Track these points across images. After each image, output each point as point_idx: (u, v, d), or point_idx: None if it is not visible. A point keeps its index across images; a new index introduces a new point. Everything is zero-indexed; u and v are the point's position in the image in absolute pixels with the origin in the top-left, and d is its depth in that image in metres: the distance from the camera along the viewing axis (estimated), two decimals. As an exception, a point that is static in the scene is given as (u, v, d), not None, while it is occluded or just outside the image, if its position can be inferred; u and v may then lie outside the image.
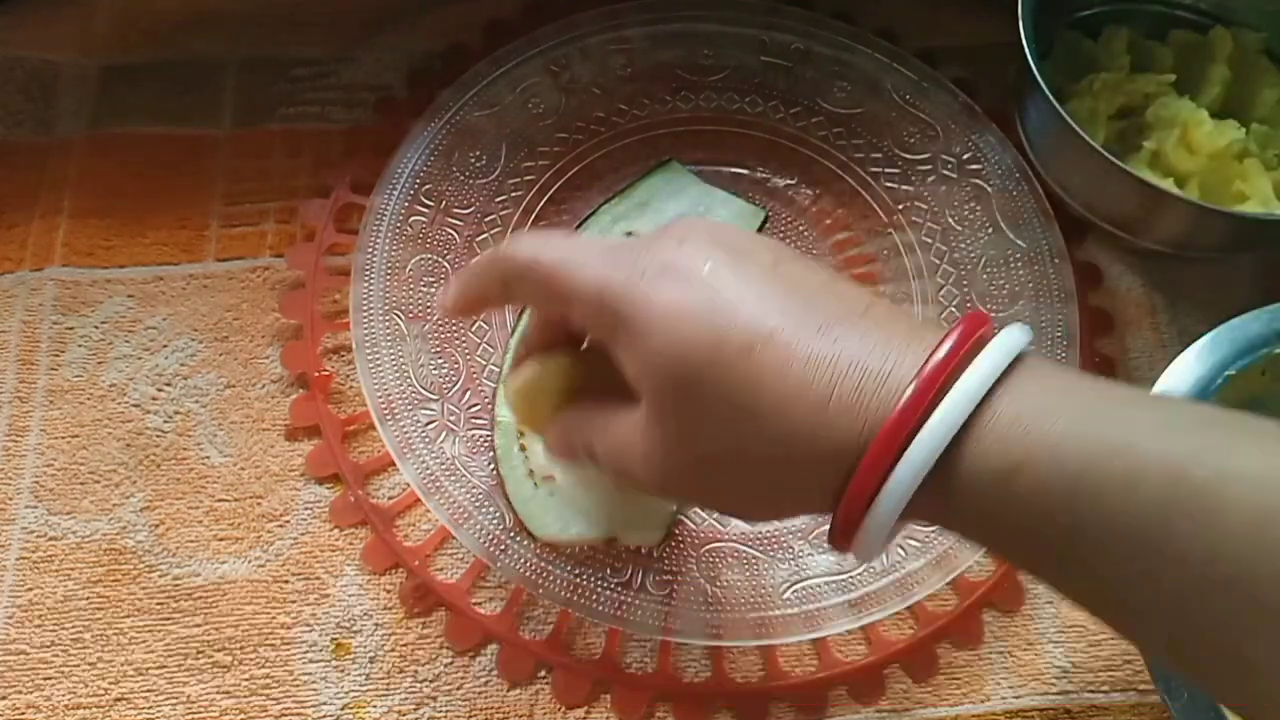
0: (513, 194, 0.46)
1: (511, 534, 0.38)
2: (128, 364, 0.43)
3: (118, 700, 0.37)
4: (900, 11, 0.51)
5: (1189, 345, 0.37)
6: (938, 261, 0.45)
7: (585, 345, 0.33)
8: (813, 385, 0.24)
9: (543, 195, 0.46)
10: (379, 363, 0.41)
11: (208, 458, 0.41)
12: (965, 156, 0.46)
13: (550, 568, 0.38)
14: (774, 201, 0.47)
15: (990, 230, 0.45)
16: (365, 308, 0.42)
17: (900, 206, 0.46)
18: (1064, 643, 0.39)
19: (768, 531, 0.40)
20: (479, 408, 0.41)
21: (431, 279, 0.43)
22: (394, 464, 0.40)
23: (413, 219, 0.44)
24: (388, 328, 0.42)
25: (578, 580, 0.38)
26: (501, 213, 0.45)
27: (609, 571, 0.38)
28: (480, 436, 0.40)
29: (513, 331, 0.42)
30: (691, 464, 0.27)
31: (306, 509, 0.40)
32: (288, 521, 0.40)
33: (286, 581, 0.39)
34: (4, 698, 0.37)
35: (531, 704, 0.37)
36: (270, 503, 0.40)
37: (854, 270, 0.46)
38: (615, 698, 0.38)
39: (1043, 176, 0.46)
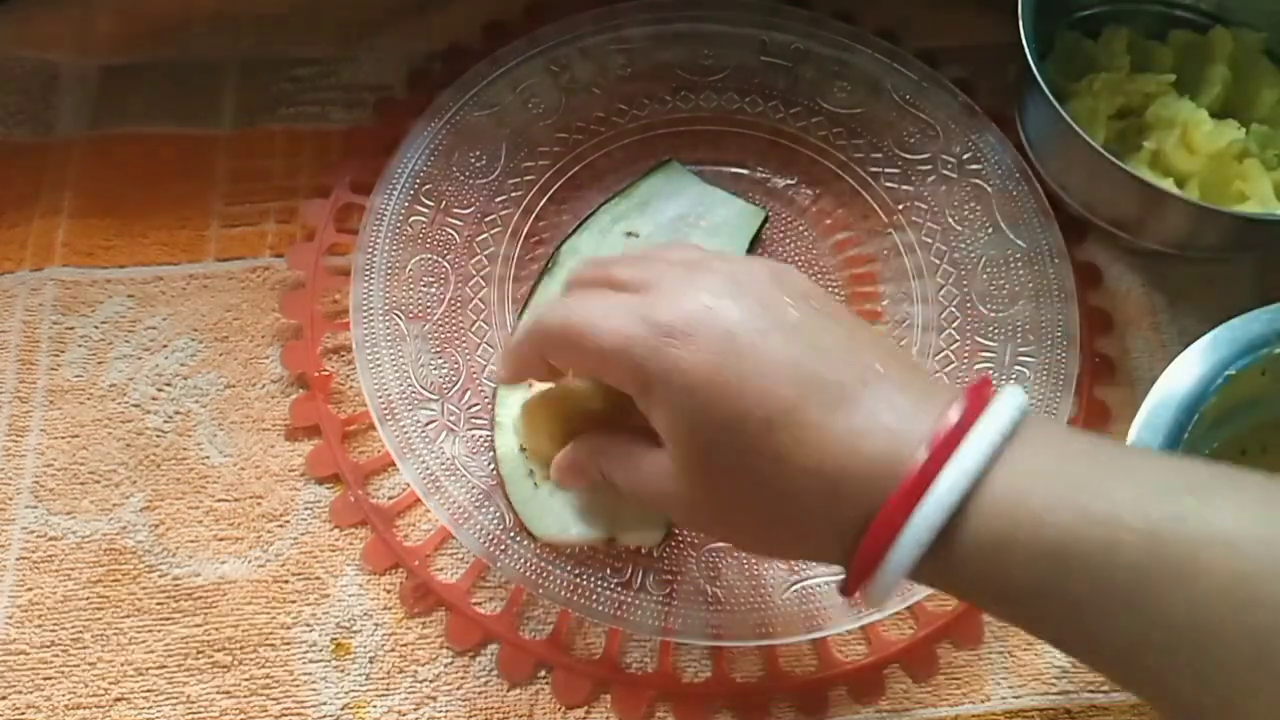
0: (513, 194, 0.46)
1: (511, 534, 0.38)
2: (128, 364, 0.43)
3: (118, 700, 0.37)
4: (900, 11, 0.51)
5: (1189, 345, 0.37)
6: (938, 261, 0.45)
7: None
8: (828, 461, 0.26)
9: (543, 195, 0.46)
10: (379, 363, 0.41)
11: (208, 458, 0.41)
12: (965, 156, 0.46)
13: (550, 568, 0.38)
14: (774, 201, 0.47)
15: (990, 230, 0.45)
16: (365, 308, 0.42)
17: (900, 206, 0.46)
18: (1064, 643, 0.39)
19: (768, 531, 0.40)
20: (479, 408, 0.41)
21: (431, 279, 0.43)
22: (394, 464, 0.40)
23: (413, 219, 0.44)
24: (388, 328, 0.42)
25: (578, 580, 0.38)
26: (501, 213, 0.45)
27: (609, 571, 0.38)
28: (480, 436, 0.40)
29: (512, 331, 0.42)
30: (716, 514, 0.30)
31: (306, 509, 0.40)
32: (288, 521, 0.40)
33: (286, 581, 0.39)
34: (4, 698, 0.37)
35: (531, 704, 0.37)
36: (270, 503, 0.40)
37: (854, 270, 0.46)
38: (615, 698, 0.38)
39: (1042, 176, 0.46)
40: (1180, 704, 0.24)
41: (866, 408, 0.27)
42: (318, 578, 0.39)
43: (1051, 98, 0.41)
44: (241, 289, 0.44)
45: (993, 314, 0.44)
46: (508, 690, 0.38)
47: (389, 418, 0.40)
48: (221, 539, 0.40)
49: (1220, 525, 0.23)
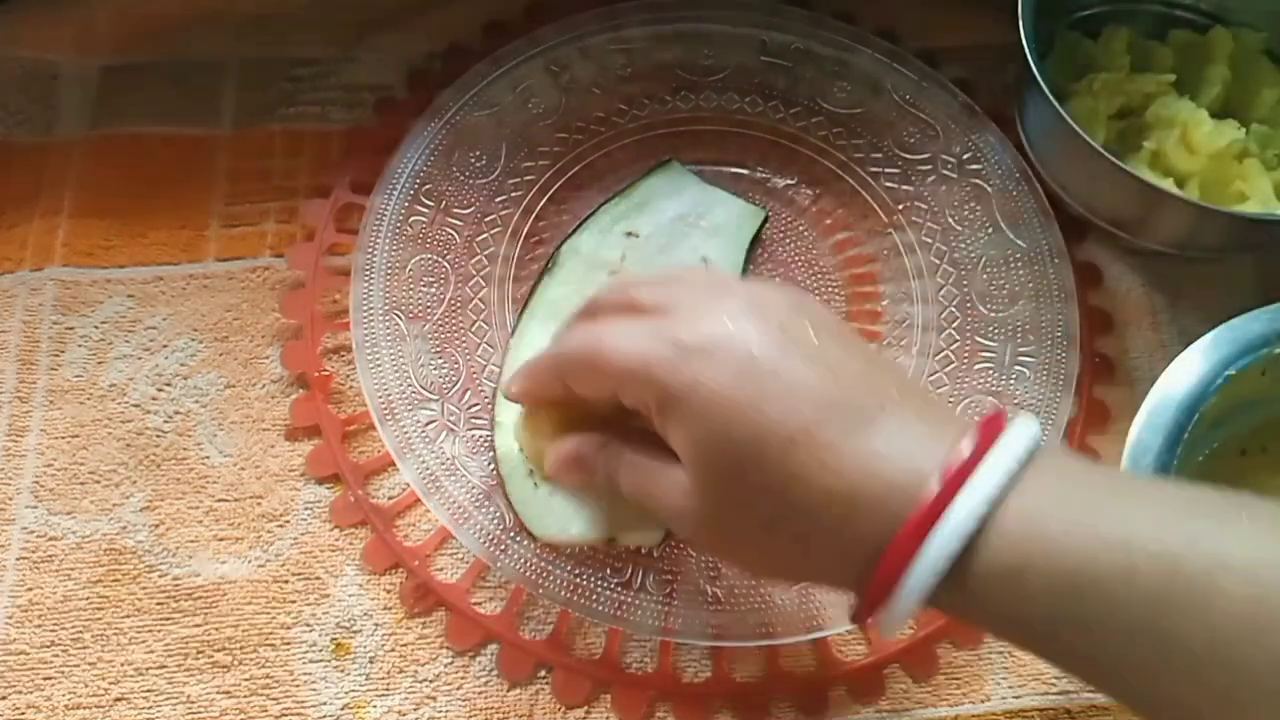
0: (513, 194, 0.46)
1: (511, 534, 0.38)
2: (128, 364, 0.43)
3: (118, 700, 0.37)
4: (900, 11, 0.51)
5: (1189, 345, 0.37)
6: (938, 261, 0.45)
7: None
8: (845, 484, 0.27)
9: (543, 195, 0.46)
10: (379, 363, 0.41)
11: (208, 458, 0.41)
12: (965, 156, 0.46)
13: (550, 568, 0.38)
14: (774, 201, 0.47)
15: (990, 230, 0.45)
16: (365, 308, 0.42)
17: (900, 206, 0.46)
18: (1064, 643, 0.39)
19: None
20: (479, 408, 0.41)
21: (431, 279, 0.43)
22: (394, 464, 0.40)
23: (413, 219, 0.44)
24: (388, 328, 0.42)
25: (578, 580, 0.38)
26: (501, 213, 0.45)
27: (609, 571, 0.38)
28: (480, 436, 0.40)
29: (512, 332, 0.42)
30: (726, 533, 0.30)
31: (306, 509, 0.40)
32: (288, 521, 0.40)
33: (286, 581, 0.39)
34: (4, 698, 0.37)
35: (531, 704, 0.37)
36: (270, 503, 0.40)
37: (854, 270, 0.46)
38: (615, 698, 0.38)
39: (1042, 176, 0.46)
40: None
41: (886, 431, 0.27)
42: (318, 578, 0.39)
43: (1051, 98, 0.41)
44: (241, 289, 0.44)
45: (993, 314, 0.44)
46: (508, 690, 0.38)
47: (389, 418, 0.40)
48: (221, 539, 0.40)
49: (1237, 550, 0.23)
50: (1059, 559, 0.25)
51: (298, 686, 0.37)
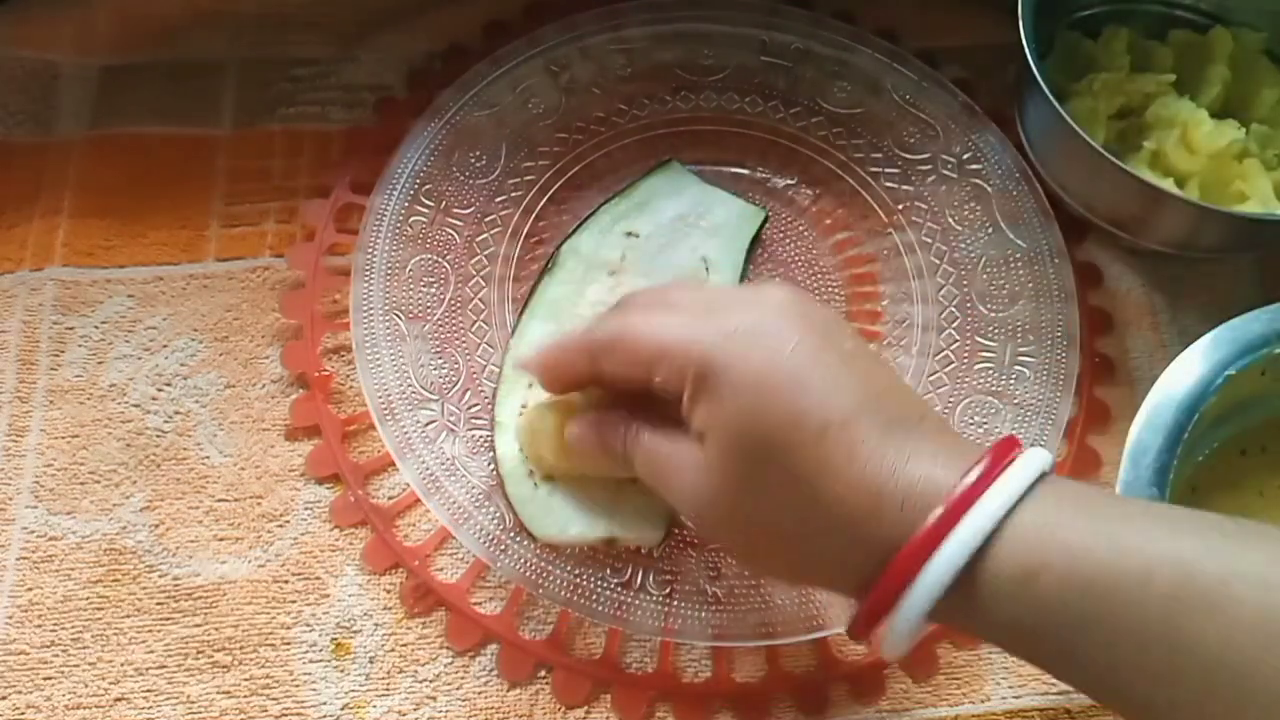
0: (513, 194, 0.46)
1: (511, 534, 0.38)
2: (128, 364, 0.43)
3: (118, 700, 0.37)
4: (900, 11, 0.51)
5: (1189, 345, 0.37)
6: (938, 261, 0.45)
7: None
8: (870, 479, 0.27)
9: (543, 195, 0.46)
10: (379, 363, 0.41)
11: (208, 458, 0.41)
12: (965, 156, 0.46)
13: (550, 568, 0.38)
14: (774, 201, 0.47)
15: (990, 230, 0.45)
16: (365, 308, 0.42)
17: (900, 206, 0.46)
18: (1064, 643, 0.39)
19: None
20: (479, 408, 0.41)
21: (431, 279, 0.43)
22: (394, 464, 0.40)
23: (413, 219, 0.44)
24: (388, 328, 0.42)
25: (578, 580, 0.38)
26: (501, 213, 0.45)
27: (609, 571, 0.38)
28: (480, 436, 0.40)
29: (512, 332, 0.42)
30: (737, 518, 0.30)
31: (306, 509, 0.40)
32: (288, 521, 0.40)
33: (286, 581, 0.39)
34: (4, 698, 0.37)
35: (531, 704, 0.37)
36: (270, 503, 0.40)
37: (854, 270, 0.46)
38: (615, 698, 0.38)
39: (1042, 176, 0.46)
40: None
41: (914, 437, 0.28)
42: (318, 578, 0.39)
43: (1051, 98, 0.41)
44: (241, 289, 0.44)
45: (993, 314, 0.44)
46: (508, 690, 0.38)
47: (389, 418, 0.40)
48: (221, 539, 0.40)
49: (1250, 562, 0.24)
50: (1075, 563, 0.25)
51: (298, 686, 0.37)
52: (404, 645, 0.38)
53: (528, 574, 0.38)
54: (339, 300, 0.44)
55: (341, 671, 0.38)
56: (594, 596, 0.38)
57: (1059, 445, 0.41)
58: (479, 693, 0.38)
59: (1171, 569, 0.24)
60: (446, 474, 0.39)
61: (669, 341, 0.30)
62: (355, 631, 0.38)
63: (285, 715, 0.37)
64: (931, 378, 0.43)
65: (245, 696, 0.37)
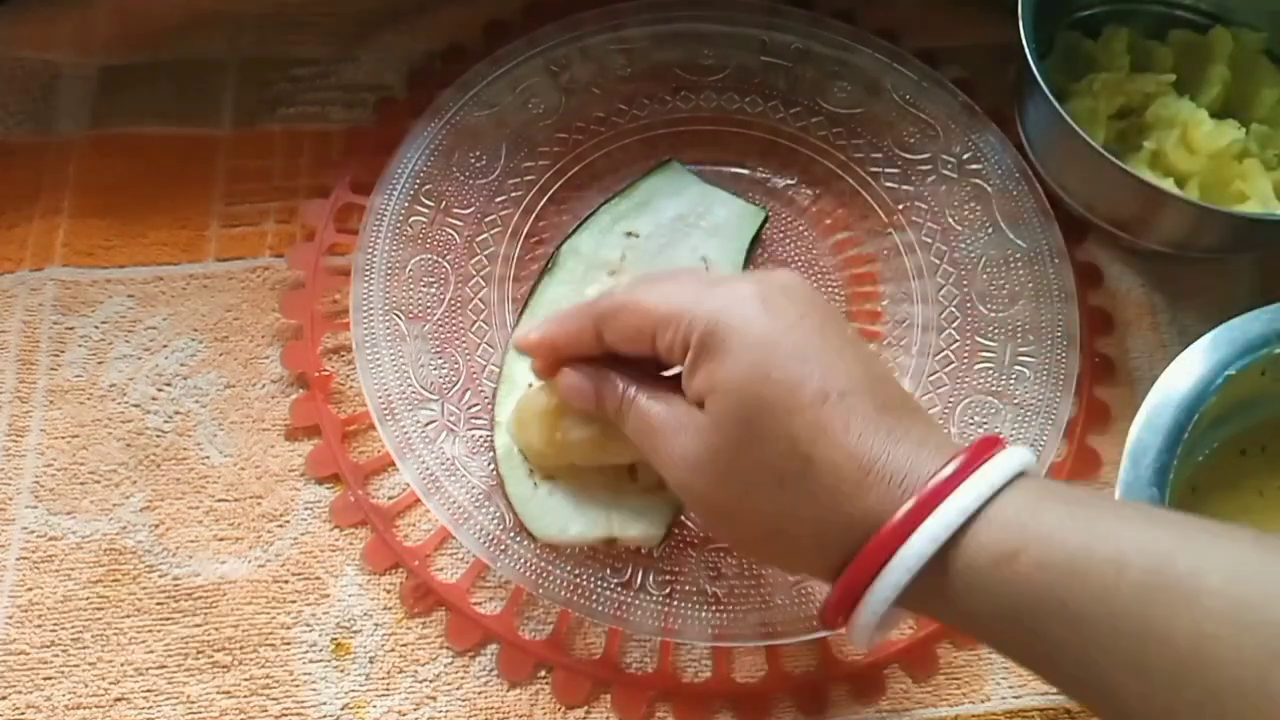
0: (513, 194, 0.46)
1: (511, 534, 0.38)
2: (128, 364, 0.43)
3: (118, 700, 0.37)
4: (900, 11, 0.51)
5: (1189, 345, 0.37)
6: (938, 261, 0.45)
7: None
8: (864, 451, 0.28)
9: (543, 195, 0.46)
10: (379, 363, 0.41)
11: (208, 458, 0.41)
12: (965, 156, 0.46)
13: (550, 568, 0.38)
14: (774, 201, 0.47)
15: (990, 230, 0.45)
16: (365, 308, 0.42)
17: (900, 206, 0.46)
18: (1064, 643, 0.39)
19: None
20: (479, 408, 0.41)
21: (431, 279, 0.43)
22: (394, 464, 0.40)
23: (413, 219, 0.44)
24: (388, 328, 0.42)
25: (578, 580, 0.38)
26: (501, 213, 0.45)
27: (609, 571, 0.38)
28: (480, 436, 0.40)
29: (512, 331, 0.42)
30: (730, 485, 0.30)
31: (306, 509, 0.40)
32: (288, 521, 0.40)
33: (286, 581, 0.39)
34: (4, 698, 0.37)
35: (531, 704, 0.37)
36: (270, 503, 0.40)
37: (854, 270, 0.46)
38: (615, 698, 0.38)
39: (1042, 176, 0.46)
40: None
41: (905, 424, 0.28)
42: (318, 578, 0.39)
43: (1051, 98, 0.41)
44: (241, 289, 0.44)
45: (993, 314, 0.44)
46: (508, 690, 0.38)
47: (389, 418, 0.40)
48: (221, 539, 0.40)
49: (1223, 554, 0.24)
50: (1050, 548, 0.25)
51: (298, 686, 0.37)
52: (404, 645, 0.38)
53: (528, 574, 0.38)
54: (339, 300, 0.44)
55: (341, 671, 0.38)
56: (594, 596, 0.38)
57: (1059, 445, 0.41)
58: (479, 693, 0.38)
59: (1146, 558, 0.24)
60: (446, 474, 0.39)
61: (675, 305, 0.30)
62: (355, 631, 0.38)
63: (285, 715, 0.37)
64: (931, 378, 0.43)
65: (245, 696, 0.37)
